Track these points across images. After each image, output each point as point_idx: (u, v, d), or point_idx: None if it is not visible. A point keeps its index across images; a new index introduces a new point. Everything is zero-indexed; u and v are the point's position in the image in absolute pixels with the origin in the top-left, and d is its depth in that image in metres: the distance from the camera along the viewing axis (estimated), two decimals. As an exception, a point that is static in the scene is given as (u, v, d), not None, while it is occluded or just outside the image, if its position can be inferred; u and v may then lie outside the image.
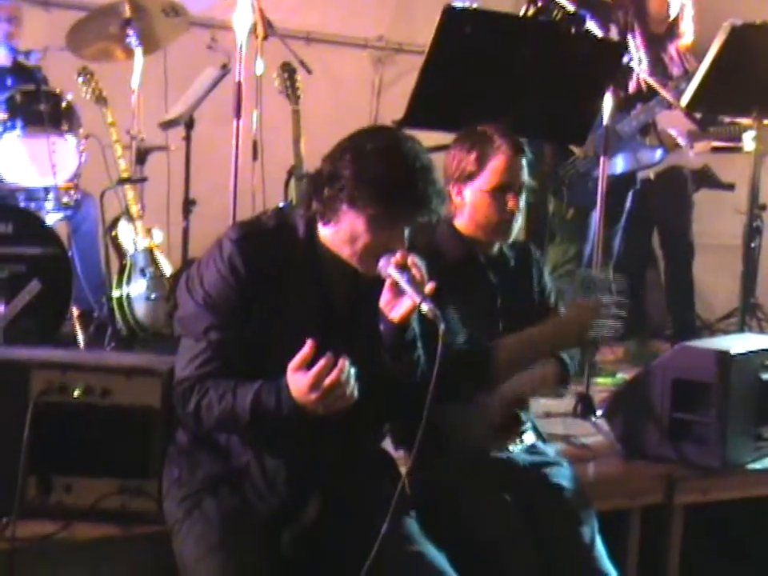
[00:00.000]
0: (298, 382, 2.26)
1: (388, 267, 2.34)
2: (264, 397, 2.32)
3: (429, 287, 2.30)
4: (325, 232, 2.44)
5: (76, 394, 2.61)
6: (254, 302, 2.41)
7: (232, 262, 2.40)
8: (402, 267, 2.32)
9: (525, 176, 2.95)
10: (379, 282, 2.39)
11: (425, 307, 2.27)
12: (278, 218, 2.54)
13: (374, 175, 2.33)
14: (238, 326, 2.41)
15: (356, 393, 2.27)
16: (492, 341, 2.91)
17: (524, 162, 2.95)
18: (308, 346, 2.23)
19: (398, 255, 2.33)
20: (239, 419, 2.36)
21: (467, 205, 2.94)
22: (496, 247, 3.03)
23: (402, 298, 2.35)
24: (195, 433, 2.49)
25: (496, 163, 2.90)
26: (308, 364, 2.24)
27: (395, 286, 2.35)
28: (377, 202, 2.33)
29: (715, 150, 5.75)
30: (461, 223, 2.98)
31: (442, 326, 2.24)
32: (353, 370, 2.25)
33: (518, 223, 2.98)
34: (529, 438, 3.03)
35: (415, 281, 2.31)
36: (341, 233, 2.40)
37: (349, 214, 2.37)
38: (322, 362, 2.21)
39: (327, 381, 2.22)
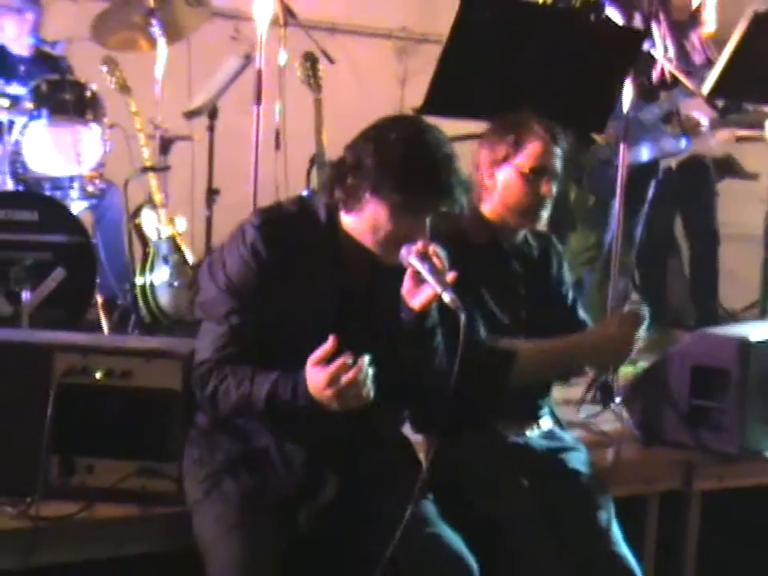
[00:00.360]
0: (315, 376, 2.28)
1: (409, 256, 2.35)
2: (281, 388, 2.34)
3: (450, 276, 2.33)
4: (347, 220, 2.46)
5: (98, 376, 2.63)
6: (274, 287, 2.43)
7: (254, 247, 2.42)
8: (424, 256, 2.34)
9: (559, 164, 2.97)
10: (399, 269, 2.40)
11: (446, 297, 2.29)
12: (300, 204, 2.56)
13: (397, 164, 2.35)
14: (259, 310, 2.43)
15: (372, 393, 2.28)
16: (515, 329, 2.94)
17: (558, 150, 2.96)
18: (330, 342, 2.25)
19: (420, 244, 2.35)
20: (254, 407, 2.38)
21: (499, 188, 2.94)
22: (520, 235, 3.04)
23: (423, 287, 2.37)
24: (214, 416, 2.51)
25: (534, 146, 2.92)
26: (328, 359, 2.26)
27: (416, 274, 2.37)
28: (399, 191, 2.34)
29: (740, 139, 5.74)
30: (488, 208, 2.98)
31: (462, 316, 2.26)
32: (371, 370, 2.26)
33: (548, 210, 2.99)
34: (546, 423, 3.04)
35: (436, 270, 2.33)
36: (363, 221, 2.42)
37: (371, 202, 2.38)
38: (341, 360, 2.23)
39: (344, 378, 2.23)
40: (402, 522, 2.28)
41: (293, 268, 2.44)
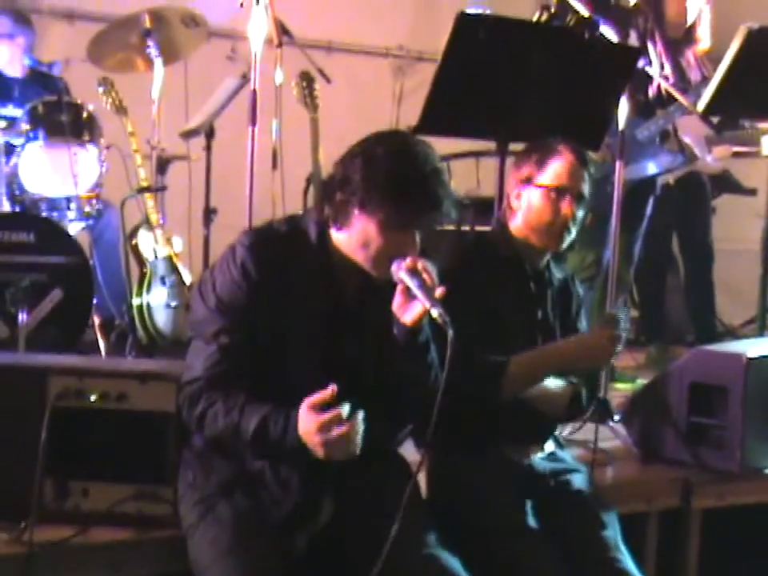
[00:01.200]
0: (308, 420, 2.27)
1: (399, 272, 2.35)
2: (271, 423, 2.33)
3: (439, 291, 2.31)
4: (338, 237, 2.45)
5: (93, 399, 2.63)
6: (265, 307, 2.43)
7: (245, 267, 2.42)
8: (413, 272, 2.33)
9: (585, 187, 2.97)
10: (390, 285, 2.40)
11: (434, 312, 2.28)
12: (289, 223, 2.56)
13: (384, 178, 2.34)
14: (249, 329, 2.43)
15: (358, 450, 2.27)
16: (528, 346, 2.94)
17: (586, 173, 2.97)
18: (330, 390, 2.24)
19: (409, 260, 2.34)
20: (241, 437, 2.37)
21: (523, 207, 2.96)
22: (543, 261, 3.05)
23: (414, 302, 2.36)
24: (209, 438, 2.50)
25: (556, 165, 2.95)
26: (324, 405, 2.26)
27: (407, 290, 2.36)
28: (387, 206, 2.34)
29: (736, 155, 5.74)
30: (514, 228, 3.01)
31: (450, 332, 2.24)
32: (362, 428, 2.26)
33: (572, 234, 2.99)
34: (548, 446, 3.04)
35: (426, 285, 2.32)
36: (353, 238, 2.42)
37: (361, 218, 2.38)
38: (336, 411, 2.23)
39: (336, 431, 2.23)
40: (392, 538, 2.25)
41: (283, 287, 2.44)
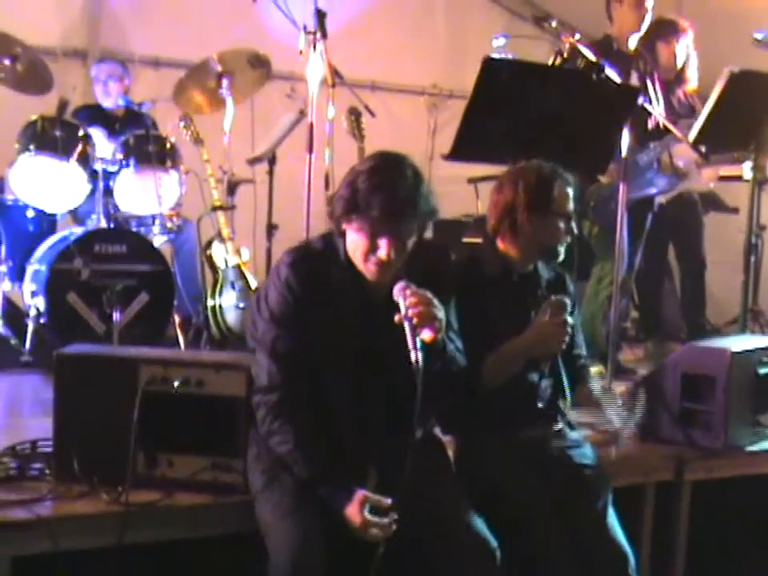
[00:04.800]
0: (357, 512, 2.31)
1: (398, 312, 2.33)
2: (323, 490, 2.36)
3: (427, 335, 2.29)
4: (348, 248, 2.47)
5: (176, 384, 2.65)
6: (308, 316, 2.43)
7: (288, 283, 2.43)
8: (407, 312, 2.31)
9: (570, 205, 2.91)
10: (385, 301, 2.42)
11: (413, 356, 2.26)
12: (324, 239, 2.55)
13: (359, 189, 2.35)
14: (299, 335, 2.43)
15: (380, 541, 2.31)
16: None
17: (571, 191, 2.92)
18: (388, 502, 2.30)
19: (408, 301, 2.32)
20: (296, 471, 2.40)
21: (528, 230, 2.86)
22: (530, 266, 2.99)
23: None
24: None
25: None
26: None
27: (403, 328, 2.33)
28: (359, 211, 2.35)
29: (722, 178, 5.71)
30: (503, 244, 2.93)
31: (421, 372, 2.24)
32: (392, 528, 2.30)
33: (563, 246, 2.95)
34: (558, 425, 3.02)
35: (413, 327, 2.30)
36: (349, 246, 2.44)
37: (349, 227, 2.40)
38: (386, 522, 2.28)
39: (372, 531, 2.28)
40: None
41: (321, 297, 2.44)
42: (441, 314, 2.34)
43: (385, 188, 2.33)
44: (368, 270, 2.42)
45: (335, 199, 2.43)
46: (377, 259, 2.39)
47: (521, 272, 2.97)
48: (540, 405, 2.95)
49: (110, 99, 5.41)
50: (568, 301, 2.88)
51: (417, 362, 2.25)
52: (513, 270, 2.96)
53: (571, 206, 2.91)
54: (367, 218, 2.35)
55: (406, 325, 2.30)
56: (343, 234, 2.45)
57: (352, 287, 2.47)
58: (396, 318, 2.33)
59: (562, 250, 2.94)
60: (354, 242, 2.41)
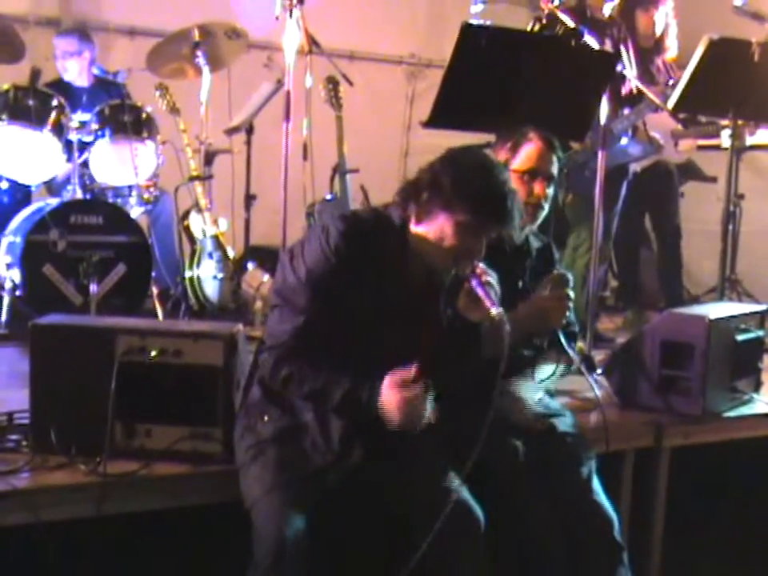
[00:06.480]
0: (391, 395, 2.29)
1: (471, 278, 2.36)
2: (354, 396, 2.34)
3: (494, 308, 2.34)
4: (416, 230, 2.43)
5: (153, 354, 2.63)
6: (350, 283, 2.40)
7: (338, 248, 2.38)
8: (480, 279, 2.35)
9: (554, 169, 2.93)
10: (453, 280, 2.44)
11: (494, 311, 2.31)
12: (375, 214, 2.53)
13: (472, 189, 2.33)
14: (333, 304, 2.40)
15: (424, 425, 2.31)
16: None
17: (554, 156, 2.93)
18: (413, 369, 2.27)
19: (479, 269, 2.36)
20: (326, 401, 2.38)
21: None
22: (522, 236, 2.97)
23: (479, 305, 2.36)
24: (267, 391, 2.50)
25: (528, 149, 2.90)
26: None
27: (470, 293, 2.37)
28: (470, 213, 2.33)
29: (700, 148, 5.71)
30: None
31: (507, 327, 2.28)
32: (432, 405, 2.29)
33: (545, 210, 2.95)
34: (539, 394, 2.99)
35: (489, 291, 2.34)
36: (431, 233, 2.40)
37: (442, 217, 2.37)
38: (416, 392, 2.26)
39: (413, 409, 2.27)
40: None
41: (368, 270, 2.41)
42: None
43: (503, 195, 2.35)
44: (446, 260, 2.41)
45: (426, 185, 2.39)
46: (463, 258, 2.39)
47: (511, 242, 2.93)
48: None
49: (68, 74, 5.30)
50: (570, 275, 2.88)
51: (500, 316, 2.29)
52: (504, 241, 2.94)
53: (550, 167, 2.93)
54: (475, 219, 2.34)
55: (479, 290, 2.34)
56: (416, 217, 2.42)
57: (397, 262, 2.45)
58: (465, 285, 2.37)
59: (540, 212, 2.94)
60: (443, 233, 2.38)
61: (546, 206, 2.95)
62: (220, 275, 4.94)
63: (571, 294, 2.83)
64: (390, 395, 2.30)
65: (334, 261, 2.39)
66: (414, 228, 2.44)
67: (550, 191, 2.93)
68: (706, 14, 5.47)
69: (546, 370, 3.00)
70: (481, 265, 2.39)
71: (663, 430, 3.35)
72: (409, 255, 2.46)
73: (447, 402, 2.40)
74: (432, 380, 2.31)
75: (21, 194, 4.88)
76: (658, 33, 5.08)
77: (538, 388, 2.92)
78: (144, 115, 4.90)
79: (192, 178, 4.99)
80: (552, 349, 2.96)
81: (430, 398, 2.29)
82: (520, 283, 2.93)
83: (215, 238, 5.00)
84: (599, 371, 3.75)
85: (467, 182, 2.34)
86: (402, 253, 2.46)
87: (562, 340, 2.83)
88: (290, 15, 4.08)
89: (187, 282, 4.89)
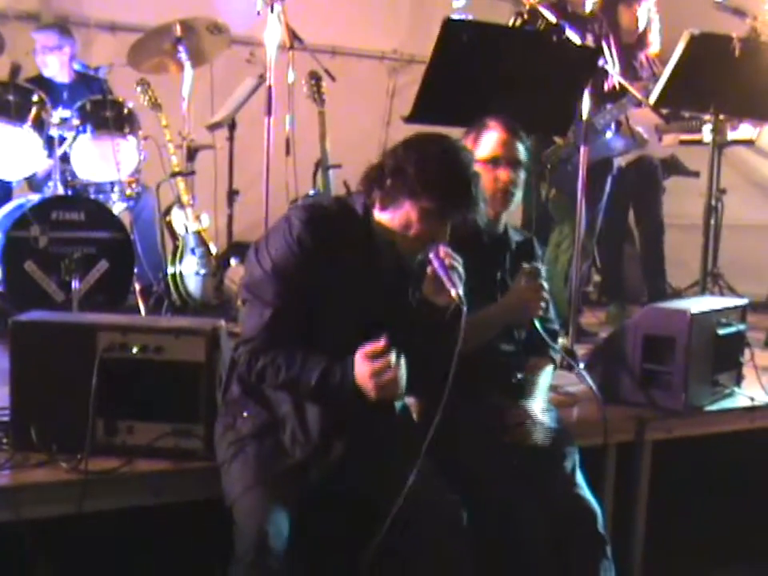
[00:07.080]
0: (363, 367, 2.28)
1: (433, 259, 2.36)
2: (330, 376, 2.33)
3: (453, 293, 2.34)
4: (381, 217, 2.43)
5: (134, 351, 2.62)
6: (316, 274, 2.39)
7: (300, 239, 2.37)
8: (442, 261, 2.35)
9: (519, 154, 2.91)
10: (419, 264, 2.43)
11: (453, 292, 2.31)
12: (338, 203, 2.53)
13: (436, 175, 2.33)
14: (301, 294, 2.40)
15: (403, 391, 2.30)
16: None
17: (518, 142, 2.91)
18: (381, 341, 2.25)
19: (441, 251, 2.36)
20: (301, 389, 2.37)
21: None
22: (500, 228, 2.97)
23: (443, 289, 2.35)
24: (246, 387, 2.49)
25: (488, 137, 2.89)
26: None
27: (434, 276, 2.37)
28: (435, 200, 2.33)
29: (683, 142, 5.73)
30: None
31: (464, 308, 2.27)
32: (405, 372, 2.28)
33: (516, 196, 2.93)
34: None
35: (450, 272, 2.34)
36: (396, 219, 2.39)
37: (406, 204, 2.36)
38: (386, 359, 2.24)
39: (387, 375, 2.25)
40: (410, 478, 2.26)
41: (332, 257, 2.40)
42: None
43: (466, 179, 2.34)
44: (412, 246, 2.41)
45: (390, 171, 2.38)
46: (428, 242, 2.38)
47: (490, 233, 2.95)
48: (515, 379, 2.94)
49: (48, 69, 5.26)
50: (540, 266, 2.88)
51: (458, 297, 2.29)
52: (482, 232, 2.94)
53: (515, 153, 2.91)
54: (439, 204, 2.34)
55: (441, 272, 2.34)
56: (380, 204, 2.41)
57: (364, 250, 2.45)
58: (429, 269, 2.37)
59: (509, 198, 2.92)
60: (408, 220, 2.37)
61: (517, 192, 2.93)
62: (203, 271, 4.92)
63: (545, 284, 2.83)
64: (362, 367, 2.28)
65: (298, 251, 2.38)
66: (379, 215, 2.43)
67: (519, 176, 2.91)
68: (688, 9, 5.48)
69: (548, 374, 3.01)
70: (444, 248, 2.38)
71: (645, 424, 3.35)
72: (378, 242, 2.46)
73: (427, 393, 2.40)
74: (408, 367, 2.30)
75: (1, 190, 4.87)
76: (641, 28, 5.10)
77: (545, 401, 2.92)
78: (126, 111, 4.88)
79: (174, 174, 4.97)
80: (531, 344, 2.97)
81: (402, 365, 2.27)
82: (498, 275, 2.92)
83: (198, 233, 4.98)
84: (582, 365, 3.75)
85: (431, 170, 2.33)
86: (366, 240, 2.45)
87: (540, 330, 2.83)
88: (272, 10, 4.08)
89: (170, 278, 4.87)
